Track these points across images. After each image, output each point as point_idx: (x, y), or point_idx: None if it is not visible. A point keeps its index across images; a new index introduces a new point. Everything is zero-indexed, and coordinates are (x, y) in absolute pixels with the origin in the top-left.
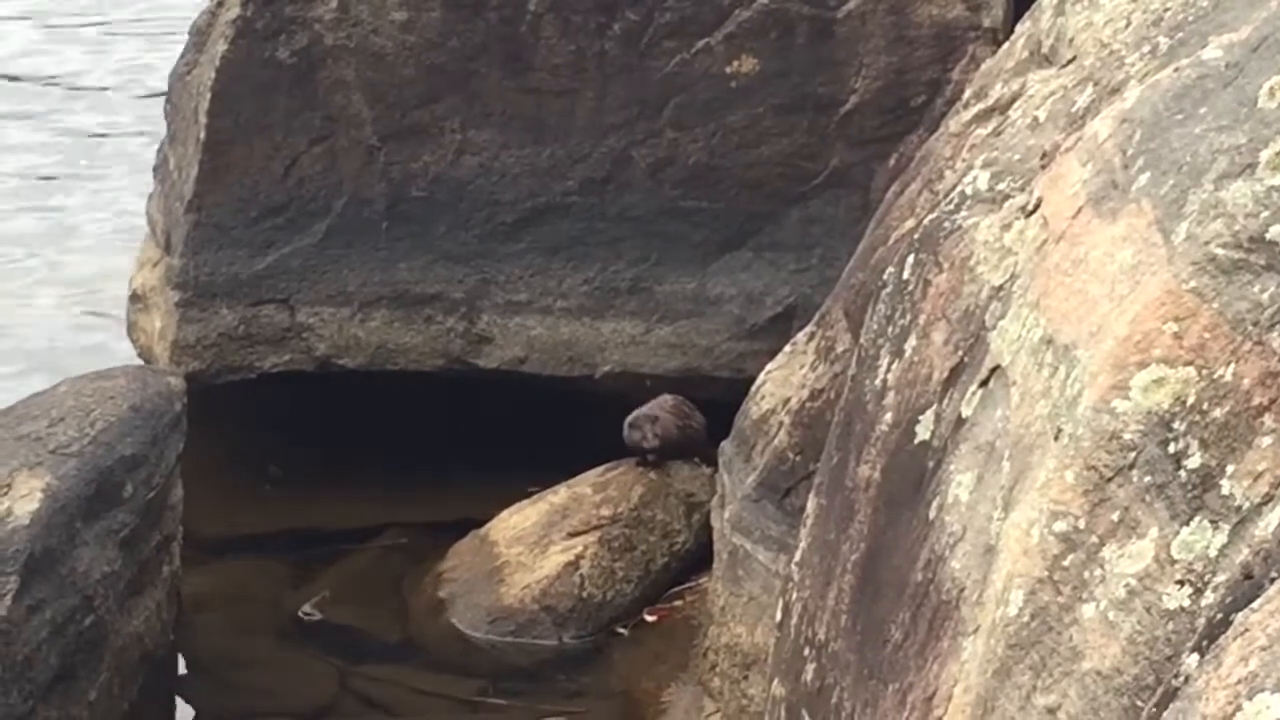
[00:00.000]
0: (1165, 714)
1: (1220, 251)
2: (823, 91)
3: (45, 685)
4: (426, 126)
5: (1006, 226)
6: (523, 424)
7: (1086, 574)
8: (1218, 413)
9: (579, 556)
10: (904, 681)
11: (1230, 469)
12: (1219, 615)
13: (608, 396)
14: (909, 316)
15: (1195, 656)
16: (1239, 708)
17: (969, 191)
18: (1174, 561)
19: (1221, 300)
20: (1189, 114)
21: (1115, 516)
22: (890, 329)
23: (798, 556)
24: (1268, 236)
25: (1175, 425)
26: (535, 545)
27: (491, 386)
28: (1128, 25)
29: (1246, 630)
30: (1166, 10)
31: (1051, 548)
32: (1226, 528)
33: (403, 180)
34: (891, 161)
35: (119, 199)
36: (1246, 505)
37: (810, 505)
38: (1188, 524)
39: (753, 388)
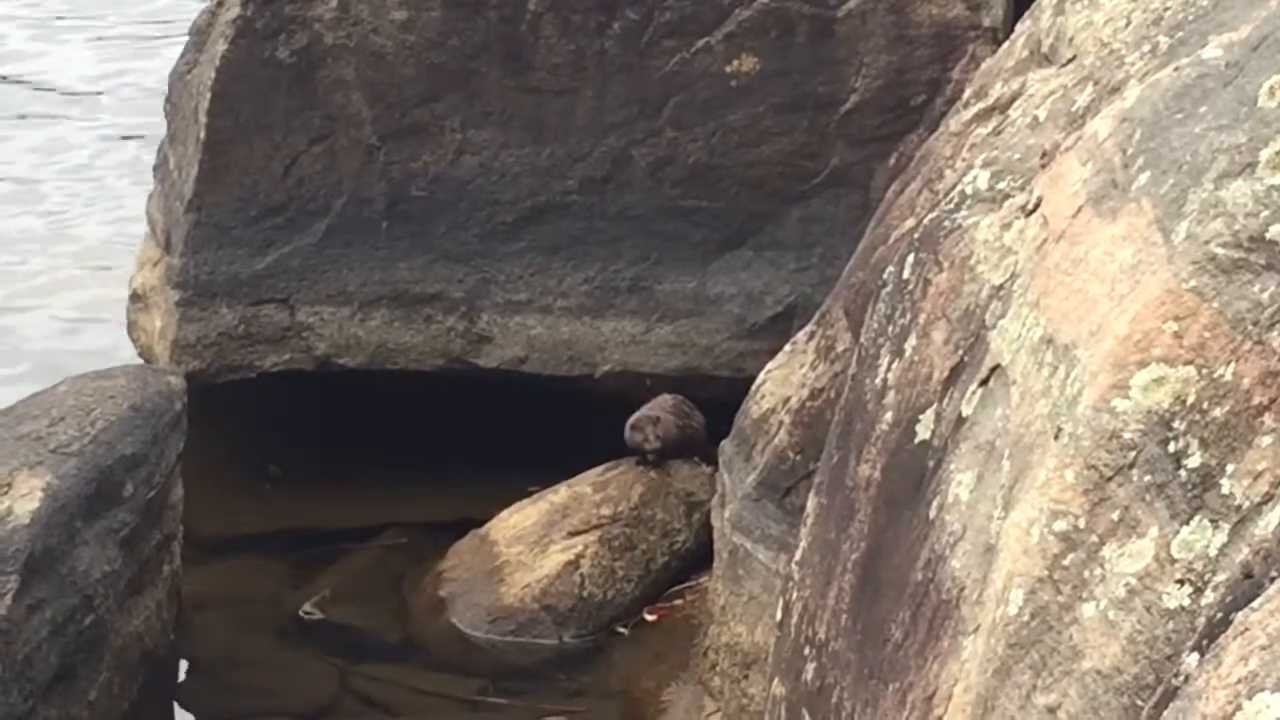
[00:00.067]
0: (1165, 713)
1: (1220, 251)
2: (823, 91)
3: (45, 685)
4: (426, 126)
5: (1006, 226)
6: (523, 423)
7: (1086, 573)
8: (1218, 412)
9: (579, 556)
10: (904, 681)
11: (1230, 468)
12: (1219, 614)
13: (608, 396)
14: (909, 316)
15: (1195, 656)
16: (1239, 707)
17: (969, 191)
18: (1174, 561)
19: (1221, 300)
20: (1189, 113)
21: (1115, 516)
22: (890, 328)
23: (798, 556)
24: (1268, 236)
25: (1175, 424)
26: (535, 545)
27: (491, 386)
28: (1128, 24)
29: (1246, 629)
30: (1166, 9)
31: (1051, 547)
32: (1226, 527)
33: (402, 180)
34: (891, 161)
35: (119, 199)
36: (1246, 504)
37: (810, 504)
38: (1188, 523)
39: (753, 387)
